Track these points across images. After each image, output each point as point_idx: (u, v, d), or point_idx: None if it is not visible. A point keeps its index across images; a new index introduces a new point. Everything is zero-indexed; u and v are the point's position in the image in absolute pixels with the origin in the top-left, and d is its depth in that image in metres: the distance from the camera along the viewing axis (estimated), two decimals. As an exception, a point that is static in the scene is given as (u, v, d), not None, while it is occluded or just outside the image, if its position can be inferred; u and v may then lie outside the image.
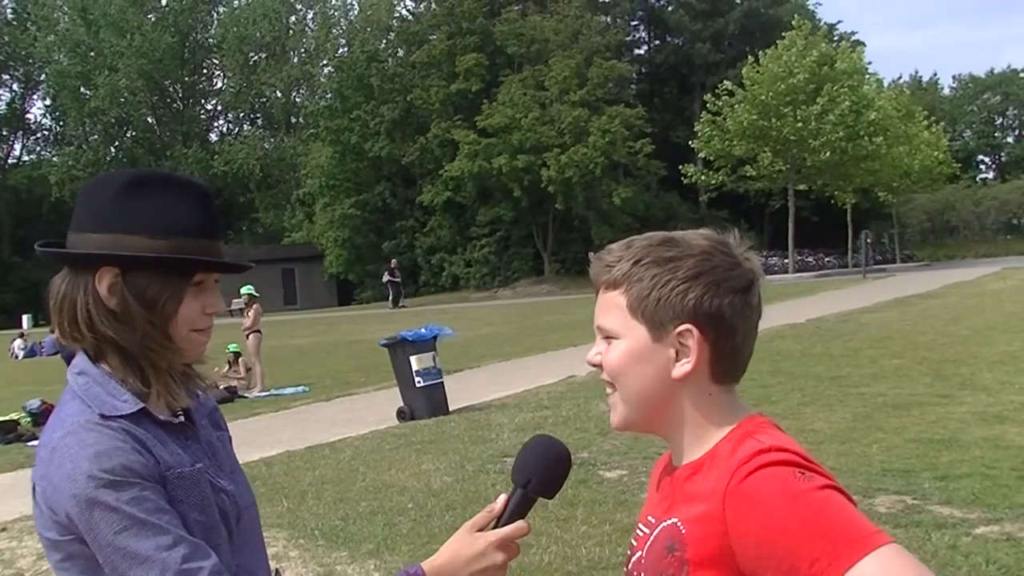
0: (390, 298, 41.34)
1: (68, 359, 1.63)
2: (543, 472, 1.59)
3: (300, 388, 15.86)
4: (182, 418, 1.64)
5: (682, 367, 1.40)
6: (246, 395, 15.50)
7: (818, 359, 13.09)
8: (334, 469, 8.87)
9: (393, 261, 43.21)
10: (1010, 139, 73.22)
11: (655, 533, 1.42)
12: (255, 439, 10.43)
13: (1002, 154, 72.61)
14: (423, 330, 11.63)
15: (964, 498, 6.18)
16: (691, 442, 1.44)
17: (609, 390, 1.48)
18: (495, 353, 18.53)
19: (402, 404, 11.41)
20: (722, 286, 1.39)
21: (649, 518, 1.48)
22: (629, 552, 1.52)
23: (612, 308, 1.45)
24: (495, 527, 1.57)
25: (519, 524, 1.57)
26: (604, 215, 44.88)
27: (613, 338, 1.45)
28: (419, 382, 11.28)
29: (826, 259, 46.18)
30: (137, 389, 1.57)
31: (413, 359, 11.25)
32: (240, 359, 16.59)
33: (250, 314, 16.24)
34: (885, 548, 1.22)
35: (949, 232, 55.13)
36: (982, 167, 72.63)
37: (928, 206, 53.94)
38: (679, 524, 1.37)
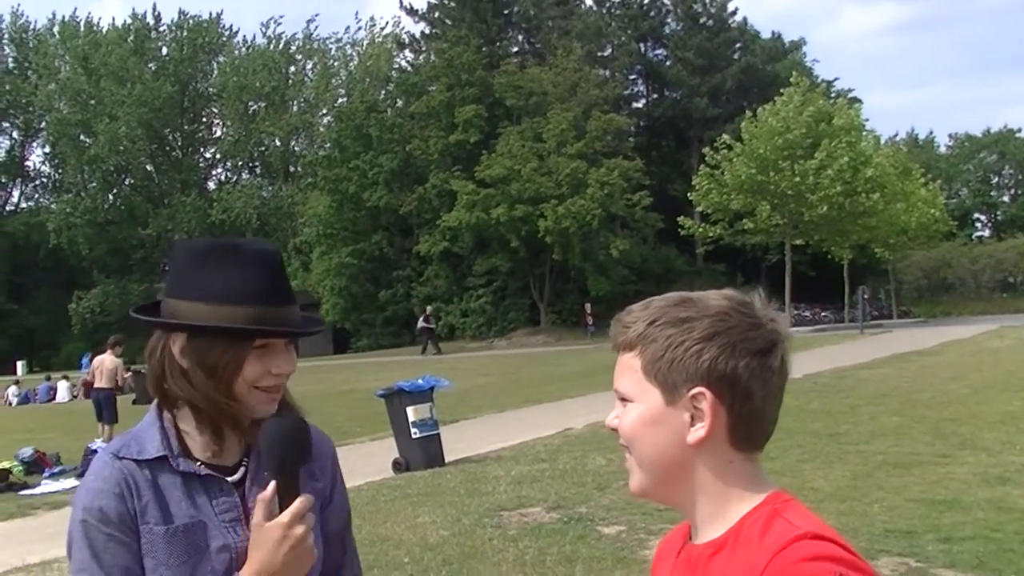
0: (425, 346, 41.04)
1: (141, 402, 1.75)
2: (287, 449, 1.62)
3: (294, 438, 15.73)
4: (231, 470, 1.72)
5: (696, 432, 1.34)
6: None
7: (816, 415, 13.00)
8: (328, 522, 8.75)
9: (428, 308, 43.16)
10: (1006, 198, 73.69)
11: None
12: (248, 490, 10.30)
13: (998, 212, 73.00)
14: (420, 381, 11.57)
15: (968, 562, 6.09)
16: (712, 515, 1.37)
17: (627, 454, 1.42)
18: (491, 404, 18.43)
19: (398, 455, 11.32)
20: (738, 347, 1.33)
21: None
22: None
23: (627, 370, 1.40)
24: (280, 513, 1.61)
25: (298, 500, 1.59)
26: (601, 267, 44.94)
27: (629, 401, 1.40)
28: (415, 433, 11.20)
29: (823, 314, 46.20)
30: (204, 443, 1.69)
31: (410, 410, 11.18)
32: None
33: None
34: None
35: (945, 289, 55.22)
36: (978, 225, 73.00)
37: (924, 263, 54.10)
38: None
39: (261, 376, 1.67)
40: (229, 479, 1.71)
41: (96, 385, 17.01)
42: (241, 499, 1.70)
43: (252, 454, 1.75)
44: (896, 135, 75.26)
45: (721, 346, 1.33)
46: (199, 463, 1.68)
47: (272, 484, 1.61)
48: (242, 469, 1.73)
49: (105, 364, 16.90)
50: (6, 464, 14.35)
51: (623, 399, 1.41)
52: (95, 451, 13.68)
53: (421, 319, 42.30)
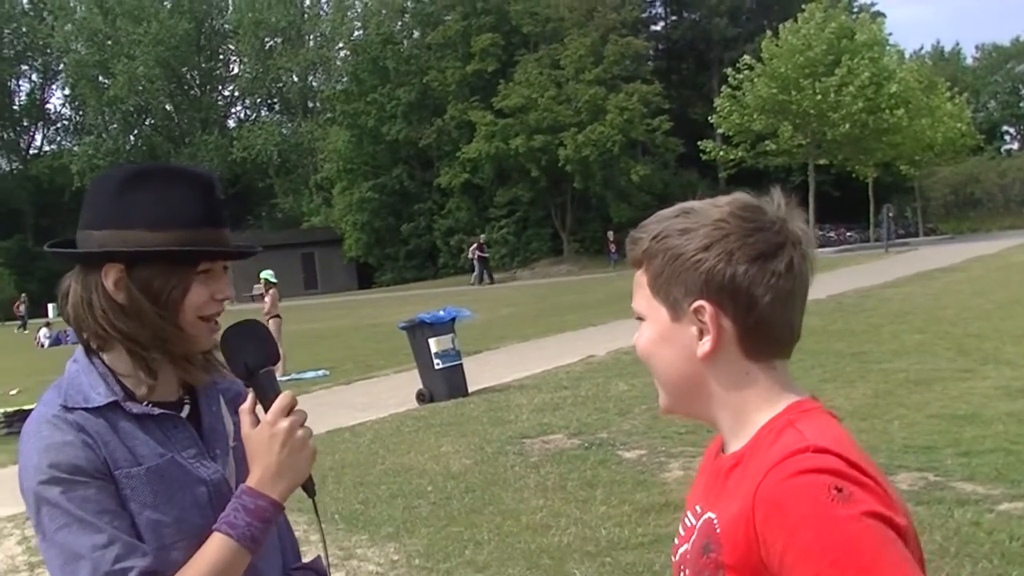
0: (476, 274, 41.01)
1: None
2: (247, 352, 1.61)
3: (320, 372, 15.91)
4: (177, 407, 1.66)
5: (704, 346, 1.30)
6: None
7: (839, 335, 12.98)
8: (354, 453, 8.89)
9: (481, 236, 43.01)
10: (1035, 109, 72.32)
11: (698, 526, 1.34)
12: (275, 424, 10.44)
13: (1027, 124, 71.74)
14: (442, 312, 11.63)
15: (987, 474, 6.11)
16: (733, 428, 1.34)
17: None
18: (514, 334, 18.51)
19: (421, 387, 11.42)
20: (736, 255, 1.28)
21: (697, 507, 1.39)
22: (676, 542, 1.43)
23: (638, 288, 1.38)
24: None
25: (282, 396, 1.57)
26: (622, 194, 44.70)
27: (643, 320, 1.38)
28: (438, 364, 11.28)
29: (847, 234, 45.84)
30: (141, 381, 1.61)
31: (432, 341, 11.24)
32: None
33: (267, 299, 16.29)
34: None
35: (973, 205, 54.53)
36: (1007, 138, 71.79)
37: (951, 179, 53.39)
38: (715, 522, 1.28)
39: (206, 302, 1.61)
40: (180, 415, 1.65)
41: None
42: (198, 434, 1.66)
43: (199, 390, 1.71)
44: (921, 49, 74.05)
45: (718, 255, 1.28)
46: (148, 403, 1.61)
47: (250, 393, 1.60)
48: (186, 406, 1.68)
49: None
50: (39, 405, 14.64)
51: (639, 318, 1.39)
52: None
53: (472, 248, 42.06)
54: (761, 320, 1.29)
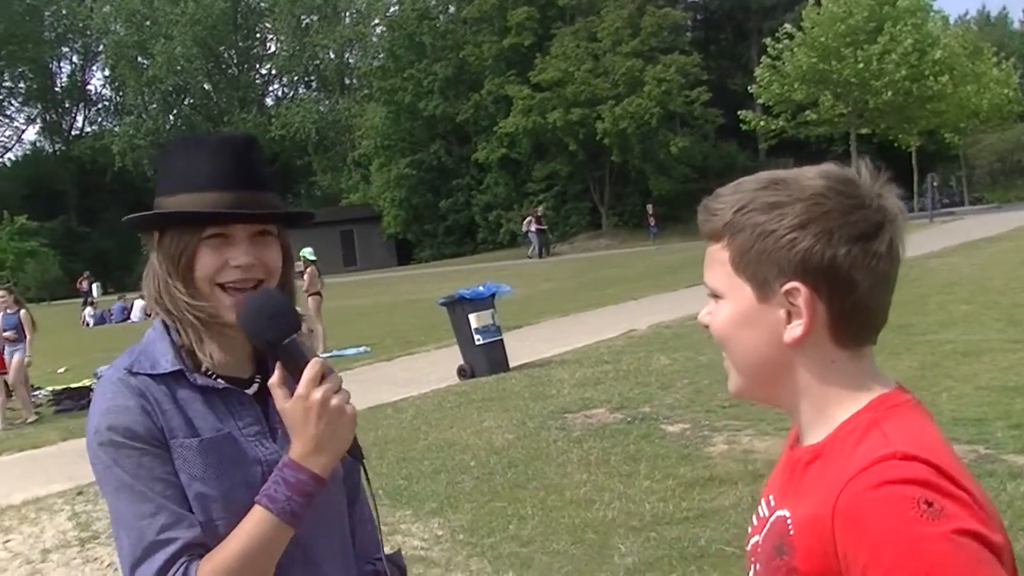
0: (535, 248, 40.81)
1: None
2: (263, 324, 1.54)
3: (361, 349, 15.98)
4: (247, 383, 1.64)
5: (793, 331, 1.20)
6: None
7: (884, 306, 12.80)
8: (396, 429, 8.93)
9: (540, 209, 42.66)
10: (1086, 73, 70.71)
11: (771, 521, 1.26)
12: (318, 400, 10.51)
13: (1077, 89, 70.18)
14: (481, 288, 11.62)
15: (1040, 446, 6.01)
16: (813, 419, 1.25)
17: (724, 353, 1.31)
18: (554, 309, 18.48)
19: (462, 362, 11.44)
20: (836, 234, 1.18)
21: (770, 498, 1.31)
22: (750, 531, 1.36)
23: (715, 264, 1.27)
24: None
25: (311, 365, 1.51)
26: (661, 166, 44.40)
27: (719, 297, 1.28)
28: (479, 340, 11.28)
29: (891, 204, 45.21)
30: (190, 353, 1.60)
31: (472, 317, 11.25)
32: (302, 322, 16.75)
33: (306, 277, 16.35)
34: None
35: (1020, 173, 53.48)
36: (1055, 104, 70.25)
37: (998, 146, 52.40)
38: (789, 521, 1.20)
39: (218, 268, 1.57)
40: (247, 392, 1.64)
41: None
42: (263, 413, 1.63)
43: (271, 367, 1.66)
44: (966, 14, 72.52)
45: (816, 234, 1.18)
46: (215, 376, 1.61)
47: (278, 366, 1.54)
48: (256, 384, 1.65)
49: None
50: (86, 382, 14.85)
51: (714, 295, 1.29)
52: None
53: (528, 220, 41.75)
54: (857, 305, 1.21)
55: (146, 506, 1.49)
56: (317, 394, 1.48)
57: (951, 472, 1.10)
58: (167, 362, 1.58)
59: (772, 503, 1.30)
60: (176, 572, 1.47)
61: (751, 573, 1.32)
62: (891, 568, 1.05)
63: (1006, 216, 30.93)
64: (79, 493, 7.77)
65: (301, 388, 1.50)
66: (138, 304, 35.19)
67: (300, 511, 1.50)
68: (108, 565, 6.03)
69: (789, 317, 1.21)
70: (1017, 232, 23.56)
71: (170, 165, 1.63)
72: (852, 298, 1.20)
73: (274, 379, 1.53)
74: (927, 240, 23.25)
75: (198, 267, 1.57)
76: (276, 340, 1.54)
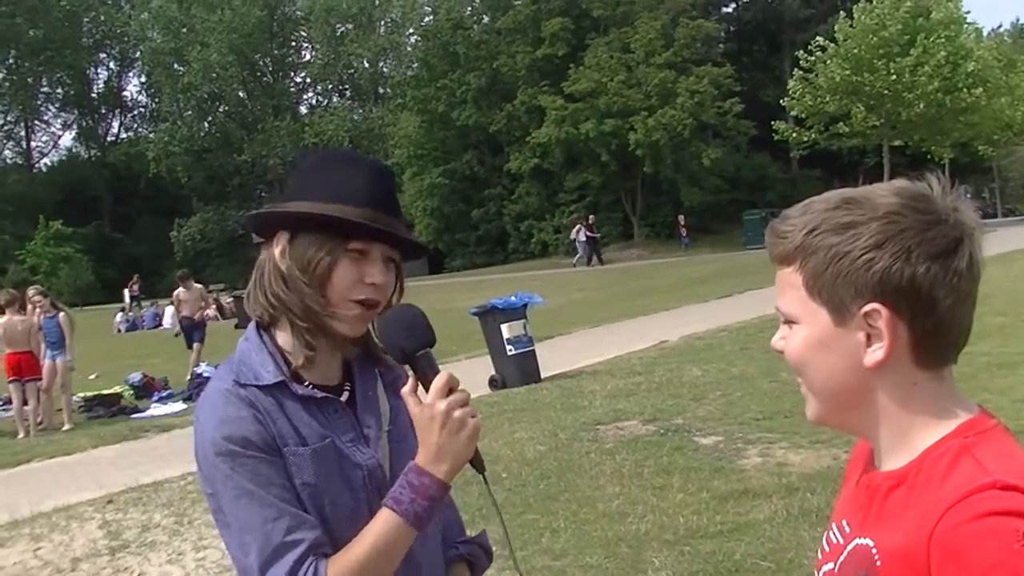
0: (582, 256, 40.62)
1: (244, 325, 1.76)
2: (400, 335, 1.64)
3: (393, 358, 16.02)
4: (337, 391, 1.71)
5: (874, 354, 1.17)
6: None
7: (918, 321, 12.71)
8: (429, 438, 8.94)
9: (591, 217, 42.29)
10: (1121, 86, 69.86)
11: (849, 548, 1.23)
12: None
13: (1112, 103, 69.37)
14: (513, 298, 11.65)
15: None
16: (893, 443, 1.22)
17: (800, 379, 1.28)
18: (585, 319, 18.48)
19: (494, 372, 11.46)
20: (915, 252, 1.15)
21: (844, 524, 1.28)
22: (820, 556, 1.32)
23: (788, 288, 1.24)
24: None
25: (439, 377, 1.59)
26: (693, 177, 44.28)
27: (794, 322, 1.24)
28: (511, 350, 11.31)
29: (924, 217, 44.87)
30: (300, 354, 1.65)
31: (504, 327, 11.27)
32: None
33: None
34: None
35: (1054, 186, 53.04)
36: (1090, 117, 69.47)
37: (1032, 159, 51.96)
38: (874, 551, 1.16)
39: (354, 283, 1.64)
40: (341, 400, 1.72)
41: (182, 314, 17.72)
42: (356, 419, 1.71)
43: (356, 375, 1.76)
44: (999, 26, 71.93)
45: (894, 254, 1.15)
46: (310, 386, 1.67)
47: (411, 376, 1.63)
48: (346, 391, 1.73)
49: (180, 296, 17.58)
50: (117, 389, 15.01)
51: (787, 320, 1.26)
52: (201, 375, 14.16)
53: (579, 229, 41.46)
54: (939, 325, 1.17)
55: (269, 511, 1.54)
56: (442, 405, 1.56)
57: None
58: (269, 374, 1.64)
59: (848, 529, 1.27)
60: (307, 570, 1.52)
61: None
62: None
63: (1042, 230, 30.56)
64: (109, 501, 7.85)
65: (429, 397, 1.58)
66: (169, 311, 35.56)
67: (424, 514, 1.57)
68: (138, 575, 6.09)
69: (869, 340, 1.18)
70: (1053, 247, 23.31)
71: (321, 174, 1.69)
72: (934, 318, 1.17)
73: (407, 388, 1.61)
74: (962, 254, 23.03)
75: (336, 277, 1.63)
76: (411, 351, 1.63)
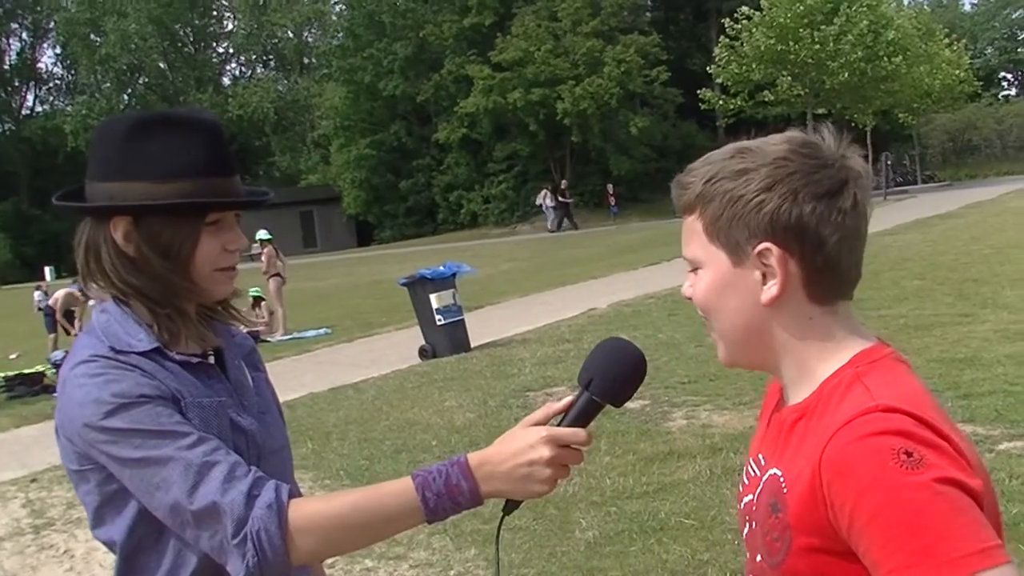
0: (554, 219, 40.36)
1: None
2: (607, 372, 1.44)
3: (322, 330, 15.95)
4: (205, 358, 1.64)
5: (769, 291, 1.25)
6: (268, 339, 15.57)
7: (839, 284, 12.99)
8: (358, 409, 8.96)
9: (564, 183, 42.02)
10: (1033, 54, 71.75)
11: (764, 479, 1.30)
12: (278, 383, 10.26)
13: (1024, 70, 71.29)
14: (442, 268, 11.65)
15: (987, 415, 6.18)
16: (796, 377, 1.29)
17: (709, 324, 1.35)
18: (515, 289, 18.55)
19: (424, 343, 11.47)
20: (801, 193, 1.22)
21: (760, 457, 1.35)
22: (741, 489, 1.40)
23: (692, 235, 1.31)
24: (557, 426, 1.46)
25: (577, 429, 1.43)
26: (621, 146, 44.53)
27: (698, 267, 1.32)
28: (440, 320, 11.32)
29: (847, 183, 45.69)
30: (162, 336, 1.58)
31: (433, 297, 11.28)
32: (262, 303, 16.68)
33: (264, 259, 16.27)
34: (989, 573, 1.04)
35: (971, 151, 54.37)
36: (1004, 84, 71.31)
37: (949, 126, 53.21)
38: (782, 479, 1.24)
39: (218, 255, 1.59)
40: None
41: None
42: (230, 384, 1.64)
43: (225, 344, 1.70)
44: (920, -5, 73.24)
45: (782, 195, 1.23)
46: (208, 353, 1.63)
47: (574, 399, 1.46)
48: (211, 357, 1.65)
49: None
50: (40, 367, 14.70)
51: (693, 266, 1.33)
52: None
53: (545, 194, 41.25)
54: (828, 261, 1.25)
55: (184, 440, 1.45)
56: (548, 450, 1.42)
57: (933, 422, 1.14)
58: (141, 341, 1.56)
59: (763, 462, 1.33)
60: (257, 476, 1.44)
61: (746, 531, 1.35)
62: (874, 516, 1.09)
63: (957, 194, 31.44)
64: (33, 480, 7.72)
65: (549, 432, 1.43)
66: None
67: (439, 511, 1.45)
68: (64, 552, 6.01)
69: (764, 278, 1.26)
70: (967, 209, 23.98)
71: (149, 145, 1.56)
72: (822, 254, 1.24)
73: (558, 405, 1.47)
74: (881, 218, 23.48)
75: (200, 255, 1.57)
76: (594, 392, 1.45)
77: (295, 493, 1.47)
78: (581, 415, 1.45)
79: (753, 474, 1.36)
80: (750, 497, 1.34)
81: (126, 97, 68.59)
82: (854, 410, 1.16)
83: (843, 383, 1.22)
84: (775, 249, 1.24)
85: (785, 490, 1.22)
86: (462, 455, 1.47)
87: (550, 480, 1.43)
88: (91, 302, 16.68)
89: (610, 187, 41.31)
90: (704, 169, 1.30)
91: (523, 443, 1.43)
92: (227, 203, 1.59)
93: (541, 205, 41.61)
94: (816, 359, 1.27)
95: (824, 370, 1.26)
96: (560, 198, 40.64)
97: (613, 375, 1.45)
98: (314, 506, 1.45)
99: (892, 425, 1.12)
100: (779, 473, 1.25)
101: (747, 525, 1.34)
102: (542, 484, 1.43)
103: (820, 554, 1.17)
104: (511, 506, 1.50)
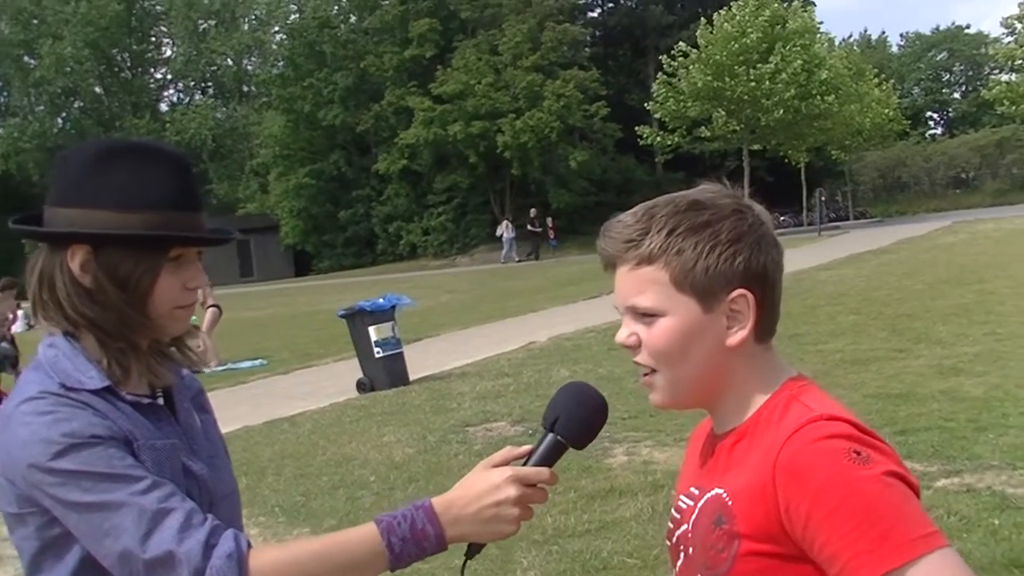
0: (508, 252, 40.06)
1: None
2: (571, 414, 1.48)
3: (257, 362, 15.70)
4: (156, 399, 1.58)
5: (737, 334, 1.35)
6: (202, 370, 15.24)
7: (776, 319, 13.14)
8: (294, 444, 8.79)
9: (532, 211, 41.44)
10: (957, 95, 73.92)
11: (700, 505, 1.38)
12: (213, 414, 10.29)
13: (949, 110, 73.37)
14: (381, 300, 11.54)
15: (924, 452, 6.24)
16: (735, 408, 1.39)
17: (647, 371, 1.39)
18: (455, 321, 18.46)
19: (362, 375, 11.33)
20: (763, 243, 1.36)
21: (692, 489, 1.43)
22: (671, 525, 1.46)
23: (650, 285, 1.35)
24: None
25: (541, 468, 1.45)
26: (561, 179, 44.87)
27: (654, 316, 1.36)
28: (378, 353, 11.19)
29: (781, 218, 46.43)
30: (113, 372, 1.51)
31: (372, 329, 11.15)
32: (200, 333, 16.35)
33: (204, 290, 15.97)
34: (934, 555, 1.18)
35: (900, 188, 55.61)
36: (931, 123, 73.39)
37: (880, 163, 54.41)
38: (724, 496, 1.32)
39: (178, 292, 1.54)
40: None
41: None
42: (179, 428, 1.59)
43: (176, 386, 1.64)
44: (850, 36, 75.47)
45: (750, 245, 1.35)
46: (157, 394, 1.58)
47: (538, 440, 1.48)
48: (159, 398, 1.60)
49: None
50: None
51: (646, 315, 1.37)
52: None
53: (507, 225, 40.96)
54: (775, 302, 1.39)
55: (137, 485, 1.39)
56: (514, 490, 1.42)
57: (866, 428, 1.28)
58: (92, 378, 1.49)
59: (697, 492, 1.41)
60: (215, 525, 1.39)
61: (680, 561, 1.42)
62: (833, 509, 1.20)
63: (889, 230, 32.06)
64: (28, 510, 7.44)
65: (514, 471, 1.44)
66: (19, 314, 33.90)
67: (404, 557, 1.42)
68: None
69: (729, 323, 1.35)
70: (899, 245, 24.46)
71: (116, 173, 1.51)
72: (773, 298, 1.38)
73: (520, 449, 1.49)
74: (816, 253, 23.97)
75: (159, 291, 1.51)
76: (559, 432, 1.47)
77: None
78: (545, 456, 1.47)
79: (685, 506, 1.42)
80: (684, 527, 1.41)
81: (60, 121, 67.45)
82: (799, 421, 1.28)
83: (780, 404, 1.35)
84: (749, 295, 1.35)
85: (730, 503, 1.31)
86: (426, 500, 1.45)
87: (517, 520, 1.44)
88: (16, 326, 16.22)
89: (549, 220, 41.51)
90: (656, 221, 1.36)
91: (488, 484, 1.43)
92: (194, 239, 1.55)
93: (502, 236, 41.55)
94: (756, 391, 1.38)
95: (760, 398, 1.38)
96: (530, 227, 40.67)
97: (578, 417, 1.48)
98: (274, 555, 1.41)
99: (838, 430, 1.25)
100: (721, 491, 1.34)
101: (681, 555, 1.41)
102: (509, 524, 1.44)
103: (765, 558, 1.27)
104: (474, 549, 1.49)
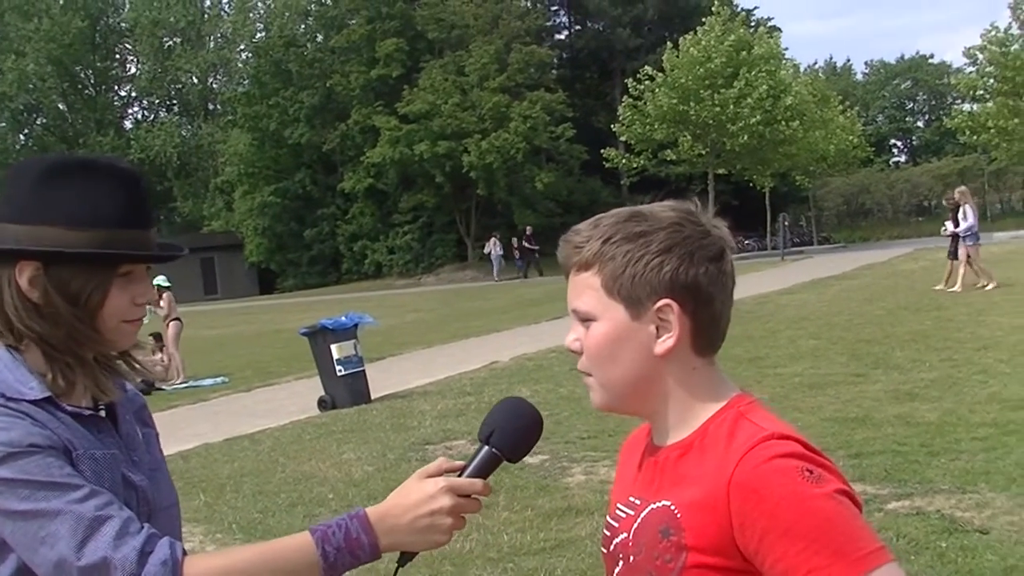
0: (527, 269, 40.03)
1: None
2: (506, 427, 1.50)
3: (219, 379, 15.59)
4: (96, 411, 1.58)
5: (664, 343, 1.37)
6: (163, 387, 15.13)
7: (737, 341, 13.20)
8: (253, 461, 8.74)
9: (528, 229, 41.39)
10: (920, 123, 75.09)
11: (643, 515, 1.39)
12: (172, 432, 10.15)
13: (913, 138, 74.48)
14: (344, 318, 11.51)
15: (876, 475, 6.31)
16: (677, 420, 1.41)
17: (587, 375, 1.44)
18: (418, 340, 18.43)
19: (323, 393, 11.29)
20: (696, 256, 1.36)
21: (632, 499, 1.44)
22: (608, 532, 1.47)
23: (586, 290, 1.40)
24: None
25: (475, 479, 1.47)
26: (527, 200, 45.00)
27: (590, 320, 1.40)
28: (340, 371, 11.16)
29: (745, 242, 46.85)
30: (57, 385, 1.51)
31: (334, 347, 11.12)
32: (163, 348, 16.18)
33: (163, 304, 15.79)
34: (883, 568, 1.22)
35: (864, 215, 56.28)
36: (895, 151, 74.41)
37: (843, 189, 55.01)
38: (673, 508, 1.34)
39: (127, 307, 1.55)
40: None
41: None
42: (120, 440, 1.59)
43: (120, 400, 1.64)
44: (815, 63, 76.44)
45: (680, 256, 1.36)
46: (99, 407, 1.58)
47: (474, 453, 1.50)
48: (102, 411, 1.60)
49: None
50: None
51: (584, 319, 1.41)
52: None
53: (495, 243, 40.91)
54: (713, 317, 1.39)
55: (75, 493, 1.39)
56: (448, 500, 1.44)
57: (812, 447, 1.31)
58: (32, 389, 1.49)
59: (638, 502, 1.42)
60: (151, 533, 1.39)
61: (618, 568, 1.43)
62: (789, 526, 1.23)
63: (851, 255, 32.42)
64: None
65: (448, 482, 1.46)
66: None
67: (338, 566, 1.43)
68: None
69: (658, 332, 1.37)
70: (861, 271, 24.74)
71: (66, 189, 1.52)
72: (710, 311, 1.39)
73: (447, 464, 1.50)
74: (779, 277, 24.20)
75: (109, 306, 1.53)
76: (494, 444, 1.49)
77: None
78: (480, 468, 1.49)
79: (624, 515, 1.44)
80: (624, 535, 1.42)
81: (22, 137, 66.71)
82: (751, 440, 1.30)
83: (728, 420, 1.36)
84: (675, 306, 1.36)
85: (679, 515, 1.33)
86: (360, 509, 1.47)
87: (450, 530, 1.46)
88: None
89: (515, 240, 41.56)
90: (599, 230, 1.40)
91: (423, 494, 1.45)
92: (143, 256, 1.57)
93: (490, 253, 41.50)
94: (699, 404, 1.40)
95: (705, 413, 1.39)
96: (527, 244, 40.69)
97: (512, 430, 1.51)
98: (209, 562, 1.42)
99: (790, 449, 1.28)
100: (669, 503, 1.35)
101: (620, 563, 1.42)
102: (443, 534, 1.46)
103: (712, 571, 1.30)
104: (406, 558, 1.50)
